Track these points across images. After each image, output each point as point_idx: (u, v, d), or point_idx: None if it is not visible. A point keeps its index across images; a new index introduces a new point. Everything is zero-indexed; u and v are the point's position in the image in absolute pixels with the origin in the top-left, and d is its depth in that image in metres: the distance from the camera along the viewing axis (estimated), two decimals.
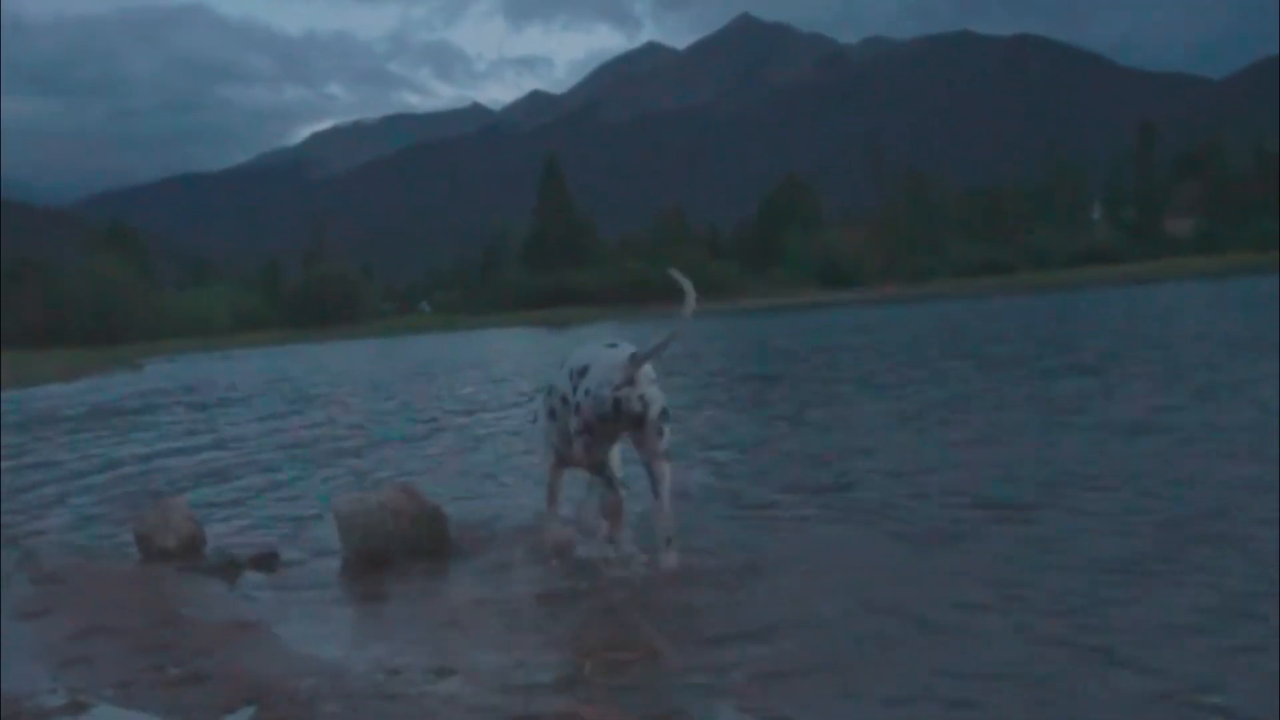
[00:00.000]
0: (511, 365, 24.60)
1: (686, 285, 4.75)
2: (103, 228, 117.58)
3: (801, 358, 19.92)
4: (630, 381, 4.65)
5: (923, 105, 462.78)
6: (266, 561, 5.48)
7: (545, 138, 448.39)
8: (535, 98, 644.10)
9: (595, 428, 4.73)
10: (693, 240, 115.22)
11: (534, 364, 24.05)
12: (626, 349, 4.76)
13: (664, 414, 4.71)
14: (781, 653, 3.63)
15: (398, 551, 5.24)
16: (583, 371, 4.80)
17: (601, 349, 4.85)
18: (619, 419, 4.67)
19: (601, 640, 3.87)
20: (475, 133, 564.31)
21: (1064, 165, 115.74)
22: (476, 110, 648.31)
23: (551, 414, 5.11)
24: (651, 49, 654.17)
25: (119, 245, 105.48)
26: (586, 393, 4.71)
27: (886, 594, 4.16)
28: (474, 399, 15.38)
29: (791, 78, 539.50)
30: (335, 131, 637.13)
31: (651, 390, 4.69)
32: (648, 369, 4.71)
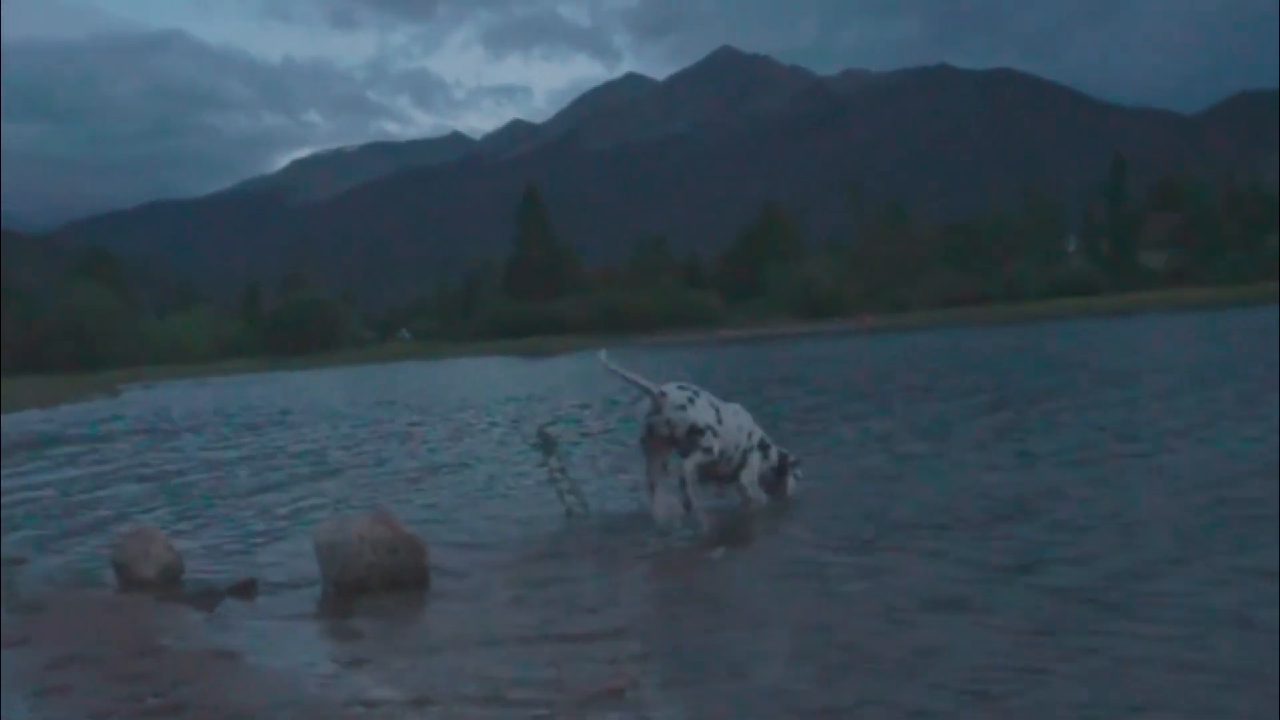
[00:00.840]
0: (490, 393, 24.57)
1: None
2: (83, 254, 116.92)
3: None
4: (658, 410, 6.31)
5: (901, 137, 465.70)
6: (245, 590, 5.49)
7: (526, 166, 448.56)
8: (516, 126, 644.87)
9: (643, 444, 6.41)
10: (673, 270, 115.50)
11: (510, 392, 24.04)
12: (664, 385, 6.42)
13: (693, 430, 6.27)
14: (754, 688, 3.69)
15: (376, 581, 5.25)
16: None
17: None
18: (652, 437, 6.34)
19: (581, 672, 3.90)
20: (456, 161, 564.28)
21: (1040, 197, 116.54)
22: (457, 139, 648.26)
23: None
24: (632, 79, 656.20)
25: (100, 271, 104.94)
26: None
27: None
28: (452, 427, 15.38)
29: (771, 109, 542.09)
30: (316, 159, 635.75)
31: (678, 414, 6.25)
32: (676, 396, 6.29)
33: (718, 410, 6.53)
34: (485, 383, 32.38)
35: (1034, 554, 5.17)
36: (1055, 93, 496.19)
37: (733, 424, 6.60)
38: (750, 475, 6.68)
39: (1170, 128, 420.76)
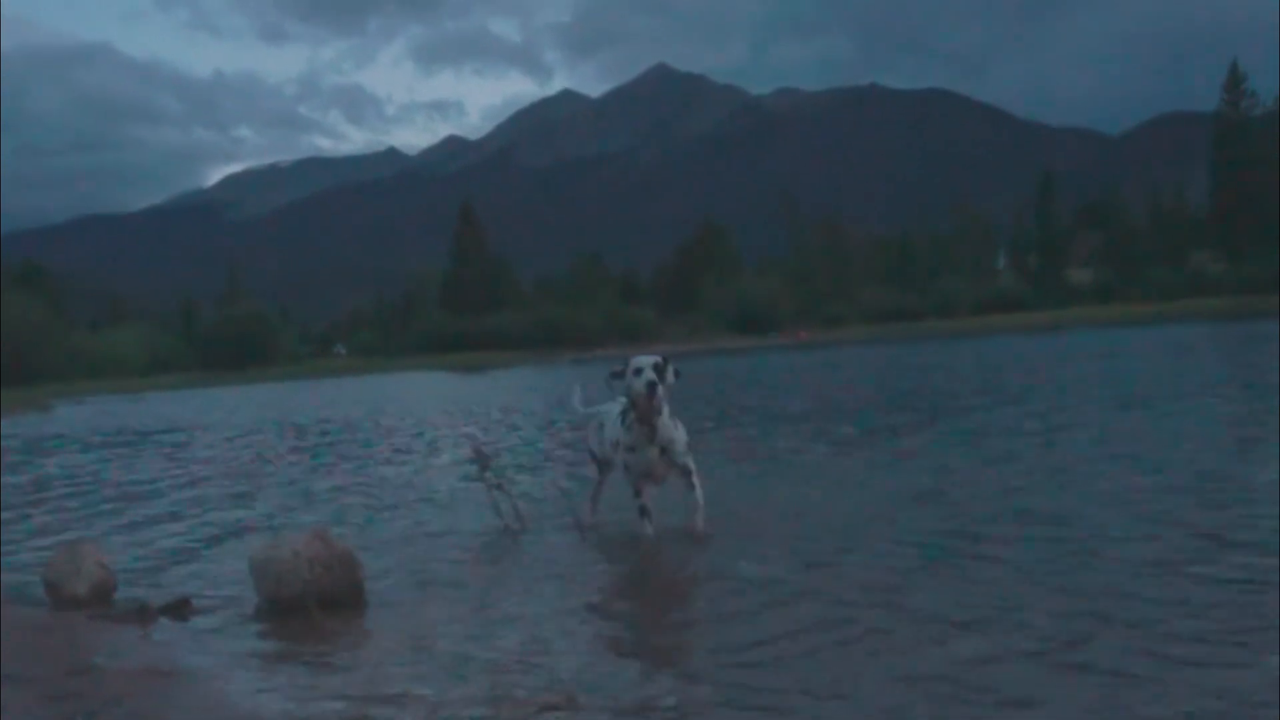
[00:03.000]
0: (425, 408, 24.44)
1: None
2: (14, 267, 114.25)
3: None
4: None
5: (834, 154, 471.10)
6: (179, 608, 5.45)
7: (462, 182, 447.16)
8: (451, 142, 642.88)
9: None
10: (610, 285, 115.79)
11: (445, 406, 23.94)
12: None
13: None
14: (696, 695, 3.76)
15: (311, 599, 5.21)
16: None
17: None
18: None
19: (517, 684, 3.94)
20: (392, 176, 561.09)
21: (970, 214, 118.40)
22: (392, 154, 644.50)
23: None
24: (567, 96, 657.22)
25: (31, 285, 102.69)
26: None
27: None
28: (387, 442, 15.31)
29: (706, 126, 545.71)
30: (250, 173, 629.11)
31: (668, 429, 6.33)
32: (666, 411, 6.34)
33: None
34: (421, 397, 32.21)
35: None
36: (984, 112, 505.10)
37: None
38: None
39: (1096, 147, 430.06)
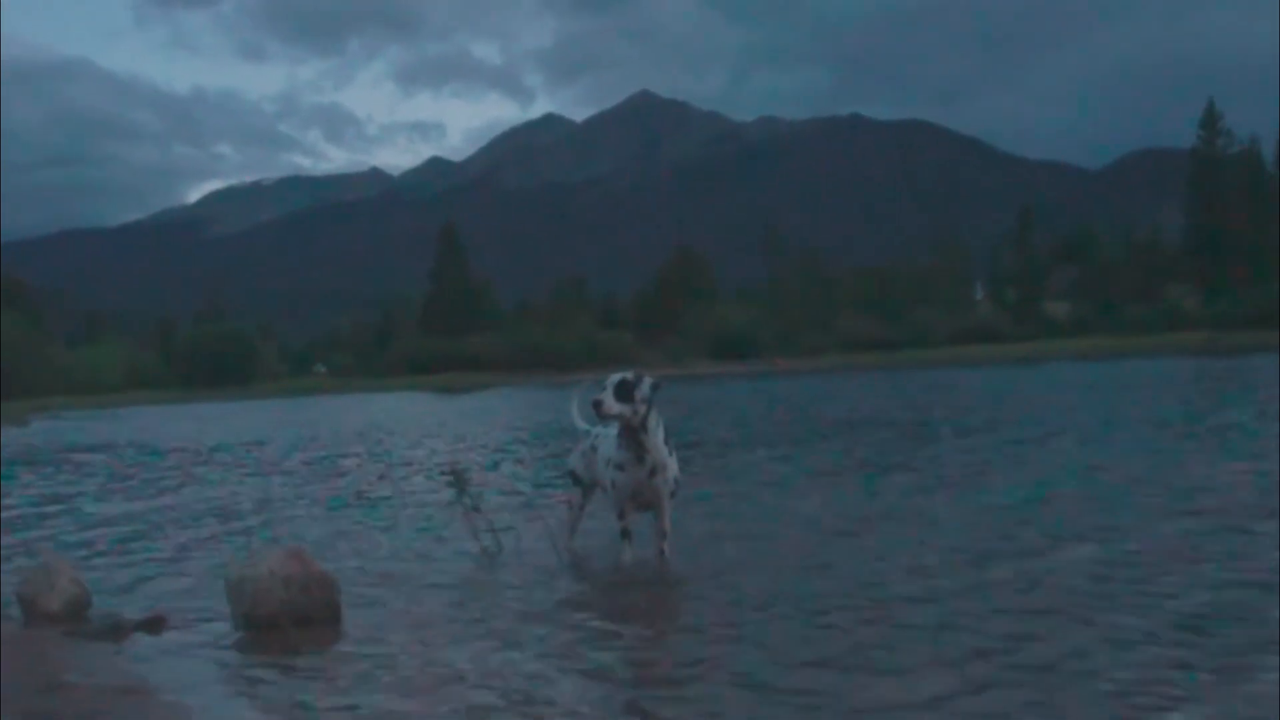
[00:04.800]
0: (403, 429, 24.39)
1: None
2: None
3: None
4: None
5: (814, 184, 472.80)
6: (154, 625, 5.45)
7: (444, 204, 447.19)
8: (434, 164, 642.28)
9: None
10: (589, 309, 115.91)
11: (423, 427, 23.90)
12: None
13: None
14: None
15: (287, 618, 5.22)
16: None
17: None
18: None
19: (492, 707, 3.97)
20: (374, 196, 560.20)
21: (948, 246, 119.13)
22: (375, 175, 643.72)
23: None
24: (550, 120, 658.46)
25: (10, 299, 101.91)
26: None
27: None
28: (366, 462, 15.29)
29: (688, 153, 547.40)
30: (233, 191, 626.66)
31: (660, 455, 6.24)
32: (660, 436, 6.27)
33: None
34: (399, 418, 32.13)
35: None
36: (964, 144, 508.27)
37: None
38: None
39: (1074, 181, 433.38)
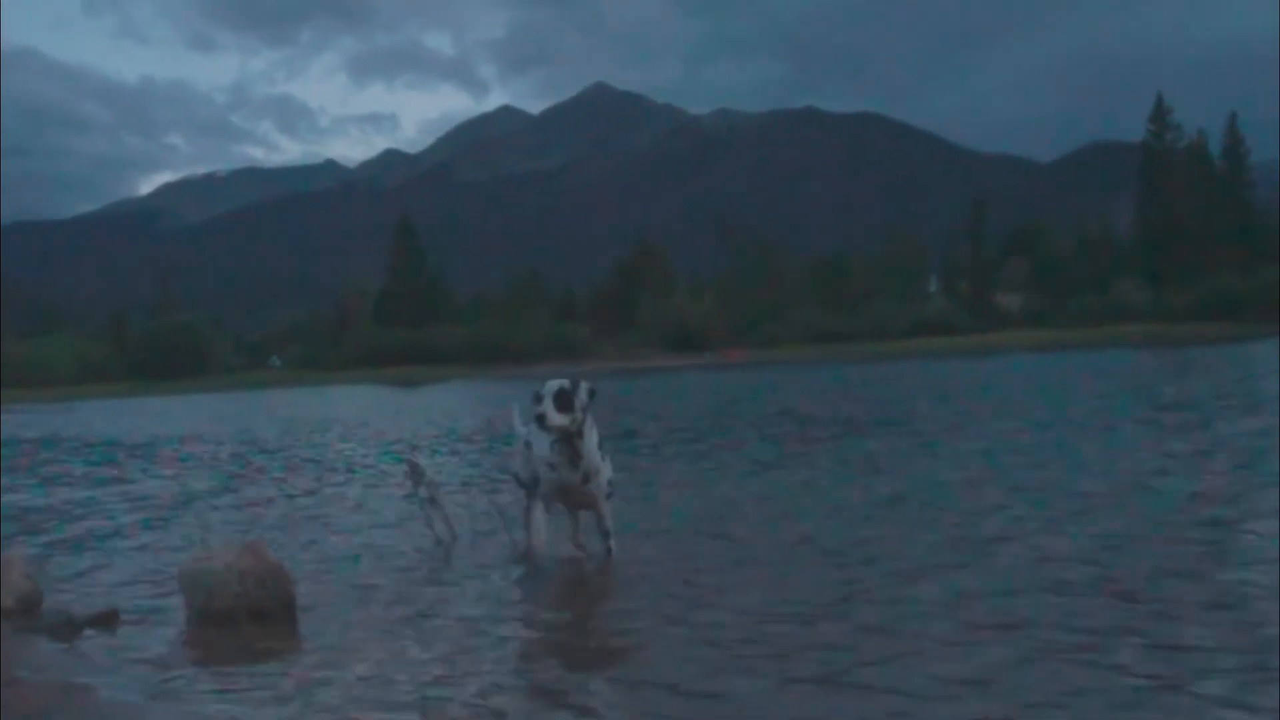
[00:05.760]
0: (359, 421, 24.25)
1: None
2: None
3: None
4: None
5: (770, 176, 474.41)
6: (106, 621, 5.41)
7: (400, 196, 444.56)
8: (390, 156, 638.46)
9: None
10: (546, 302, 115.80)
11: (379, 420, 23.80)
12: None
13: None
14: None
15: (243, 612, 5.20)
16: None
17: None
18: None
19: (447, 700, 3.98)
20: (330, 189, 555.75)
21: (902, 238, 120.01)
22: (330, 166, 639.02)
23: None
24: (506, 112, 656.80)
25: None
26: None
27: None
28: (320, 455, 15.21)
29: (644, 145, 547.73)
30: (187, 183, 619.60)
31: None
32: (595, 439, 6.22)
33: None
34: (354, 411, 31.95)
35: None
36: (916, 137, 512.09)
37: None
38: None
39: (1026, 174, 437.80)
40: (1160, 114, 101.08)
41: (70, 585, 6.43)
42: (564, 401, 5.96)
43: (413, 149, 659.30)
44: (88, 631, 5.29)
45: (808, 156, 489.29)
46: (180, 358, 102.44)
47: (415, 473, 7.28)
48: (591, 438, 6.15)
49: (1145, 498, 7.41)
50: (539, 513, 6.32)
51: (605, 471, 6.24)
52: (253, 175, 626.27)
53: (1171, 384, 21.47)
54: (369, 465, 13.51)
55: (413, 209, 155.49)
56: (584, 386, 6.08)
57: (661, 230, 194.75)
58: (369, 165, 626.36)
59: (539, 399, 5.95)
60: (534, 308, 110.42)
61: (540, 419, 5.93)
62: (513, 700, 3.96)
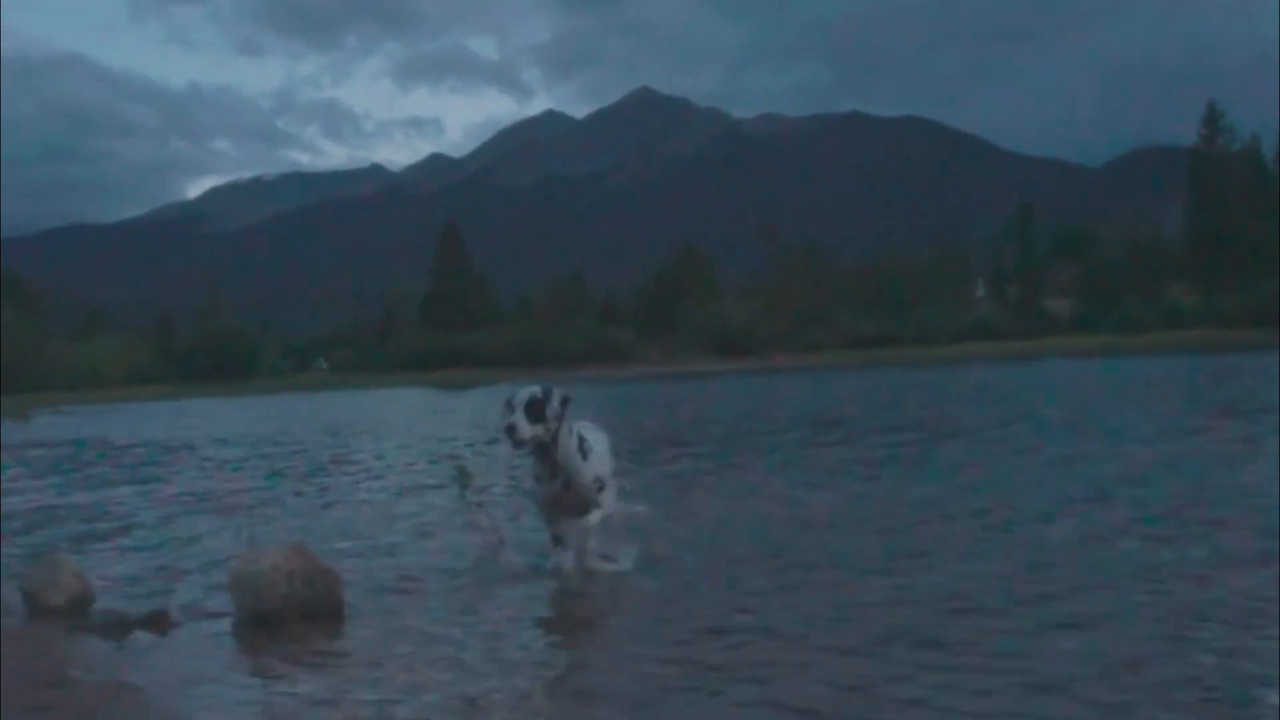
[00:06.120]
0: (406, 425, 24.40)
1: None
2: None
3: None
4: None
5: (814, 180, 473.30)
6: (156, 622, 5.43)
7: (445, 200, 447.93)
8: (435, 160, 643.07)
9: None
10: (590, 306, 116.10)
11: (426, 423, 23.91)
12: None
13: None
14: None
15: (291, 613, 5.20)
16: None
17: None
18: None
19: (496, 702, 3.95)
20: (375, 193, 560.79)
21: (949, 243, 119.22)
22: (376, 171, 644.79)
23: None
24: (551, 117, 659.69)
25: (10, 295, 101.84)
26: None
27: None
28: (369, 459, 15.28)
29: (688, 149, 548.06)
30: (234, 187, 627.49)
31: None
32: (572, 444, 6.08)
33: None
34: (400, 414, 32.13)
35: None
36: (963, 141, 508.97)
37: None
38: None
39: (1074, 179, 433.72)
40: (1212, 117, 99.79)
41: (120, 586, 6.47)
42: (536, 412, 5.79)
43: (457, 153, 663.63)
44: (138, 632, 5.32)
45: (852, 161, 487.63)
46: (227, 361, 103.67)
47: (463, 476, 7.26)
48: (569, 443, 5.99)
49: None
50: (554, 536, 6.17)
51: (589, 473, 6.08)
52: (298, 180, 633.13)
53: (1229, 390, 21.07)
54: (415, 469, 13.54)
55: (457, 213, 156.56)
56: (557, 395, 5.90)
57: (705, 234, 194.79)
58: (414, 169, 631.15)
59: (510, 408, 5.78)
60: (577, 311, 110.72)
61: (510, 430, 5.75)
62: (555, 703, 3.91)
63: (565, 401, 5.90)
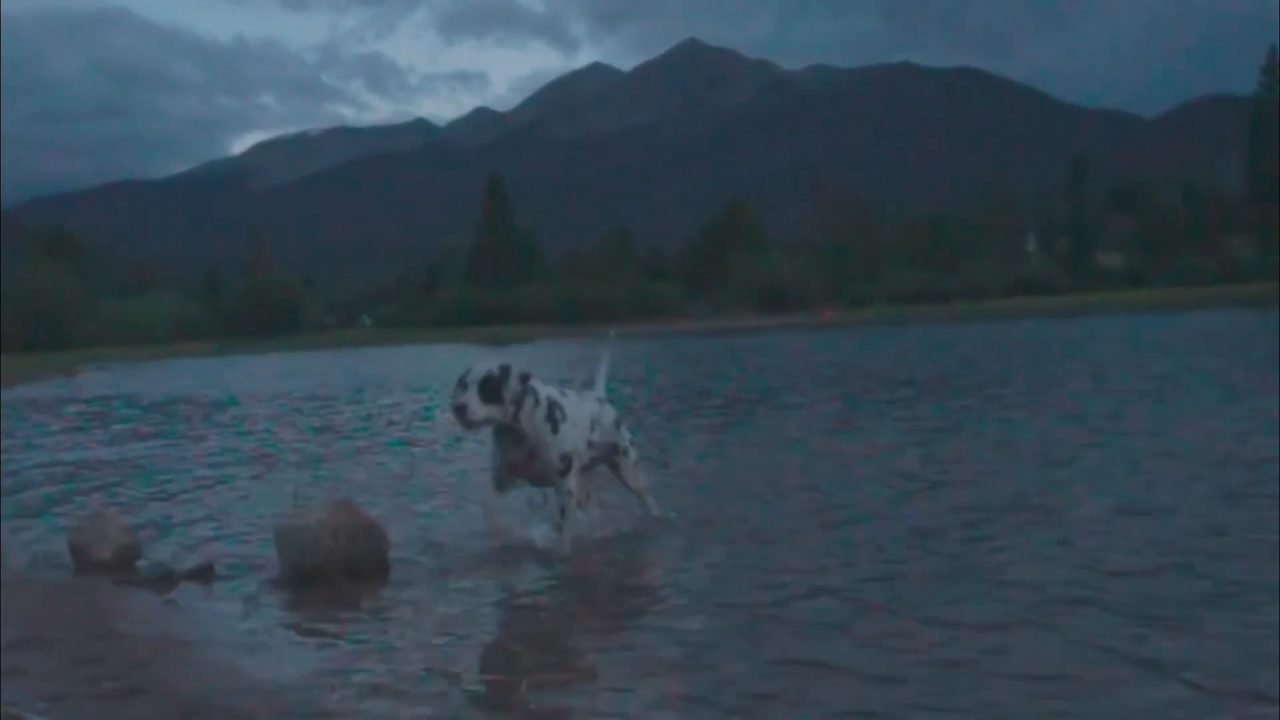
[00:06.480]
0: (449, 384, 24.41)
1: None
2: (43, 233, 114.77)
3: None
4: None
5: (864, 133, 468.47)
6: (202, 574, 5.47)
7: (490, 154, 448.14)
8: (480, 114, 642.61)
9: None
10: (637, 261, 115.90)
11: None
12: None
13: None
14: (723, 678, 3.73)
15: (335, 568, 5.20)
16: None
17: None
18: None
19: (538, 660, 3.92)
20: (420, 148, 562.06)
21: (1000, 196, 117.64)
22: (421, 125, 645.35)
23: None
24: (597, 69, 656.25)
25: (59, 250, 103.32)
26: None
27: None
28: (417, 414, 15.34)
29: (736, 102, 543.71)
30: (279, 142, 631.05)
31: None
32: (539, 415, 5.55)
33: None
34: (445, 370, 32.24)
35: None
36: (1016, 92, 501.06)
37: None
38: None
39: (1130, 130, 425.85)
40: (1273, 66, 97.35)
41: (166, 540, 6.51)
42: (492, 391, 5.25)
43: (503, 107, 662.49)
44: (184, 585, 5.35)
45: (903, 113, 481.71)
46: (273, 316, 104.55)
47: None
48: (536, 415, 5.44)
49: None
50: (491, 494, 5.65)
51: (557, 447, 5.50)
52: (343, 134, 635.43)
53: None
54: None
55: (503, 168, 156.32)
56: (515, 374, 5.34)
57: (753, 188, 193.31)
58: (459, 124, 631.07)
59: (463, 386, 5.24)
60: (623, 266, 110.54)
61: (460, 411, 5.22)
62: (608, 664, 3.88)
63: (525, 379, 5.38)
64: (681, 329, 74.09)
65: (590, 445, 5.78)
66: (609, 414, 6.05)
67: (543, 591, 4.96)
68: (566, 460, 5.53)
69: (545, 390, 5.56)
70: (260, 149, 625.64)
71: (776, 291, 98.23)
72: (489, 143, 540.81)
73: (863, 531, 5.77)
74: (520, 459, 5.51)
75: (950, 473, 7.47)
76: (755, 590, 4.71)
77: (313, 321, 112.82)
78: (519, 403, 5.34)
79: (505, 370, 5.31)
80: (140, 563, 5.76)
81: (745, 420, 12.36)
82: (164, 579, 5.42)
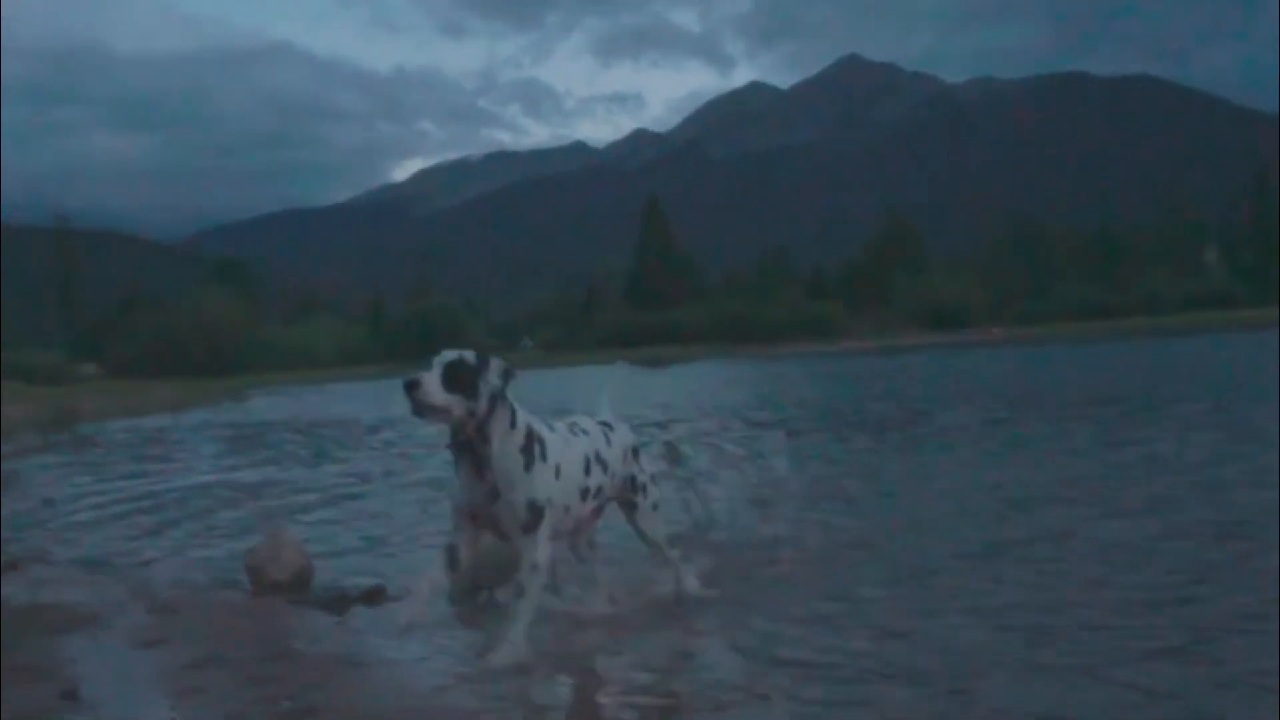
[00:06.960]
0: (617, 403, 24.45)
1: None
2: (215, 261, 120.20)
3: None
4: None
5: (1031, 145, 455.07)
6: (374, 596, 5.55)
7: (649, 175, 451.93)
8: (639, 135, 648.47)
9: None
10: (795, 280, 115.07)
11: (634, 401, 24.02)
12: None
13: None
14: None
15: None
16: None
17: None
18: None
19: (709, 682, 3.81)
20: (579, 170, 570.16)
21: (1178, 207, 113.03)
22: (579, 148, 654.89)
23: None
24: (755, 88, 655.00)
25: (229, 278, 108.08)
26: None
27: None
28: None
29: (897, 117, 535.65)
30: (440, 168, 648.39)
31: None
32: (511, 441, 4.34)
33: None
34: (615, 391, 32.34)
35: None
36: (1195, 99, 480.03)
37: None
38: None
39: None
40: None
41: (339, 561, 6.65)
42: (456, 378, 4.15)
43: (660, 128, 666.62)
44: (357, 607, 5.43)
45: (1075, 125, 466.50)
46: (435, 340, 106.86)
47: (671, 453, 7.18)
48: (509, 440, 4.28)
49: None
50: (438, 571, 4.38)
51: (528, 490, 4.28)
52: (502, 159, 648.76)
53: None
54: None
55: (662, 188, 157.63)
56: (495, 364, 4.27)
57: (916, 205, 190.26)
58: (617, 146, 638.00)
59: (428, 365, 4.23)
60: (784, 286, 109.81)
61: (413, 387, 4.14)
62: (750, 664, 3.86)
63: (507, 374, 4.28)
64: (846, 348, 73.09)
65: (585, 495, 4.66)
66: (620, 439, 5.05)
67: (704, 614, 4.93)
68: (536, 512, 4.28)
69: (526, 417, 4.42)
70: (422, 175, 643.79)
71: (940, 309, 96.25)
72: (647, 163, 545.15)
73: None
74: (480, 496, 4.30)
75: None
76: None
77: (474, 345, 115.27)
78: (493, 405, 4.22)
79: (483, 360, 4.25)
80: (314, 584, 5.88)
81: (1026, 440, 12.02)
82: (338, 600, 5.52)
